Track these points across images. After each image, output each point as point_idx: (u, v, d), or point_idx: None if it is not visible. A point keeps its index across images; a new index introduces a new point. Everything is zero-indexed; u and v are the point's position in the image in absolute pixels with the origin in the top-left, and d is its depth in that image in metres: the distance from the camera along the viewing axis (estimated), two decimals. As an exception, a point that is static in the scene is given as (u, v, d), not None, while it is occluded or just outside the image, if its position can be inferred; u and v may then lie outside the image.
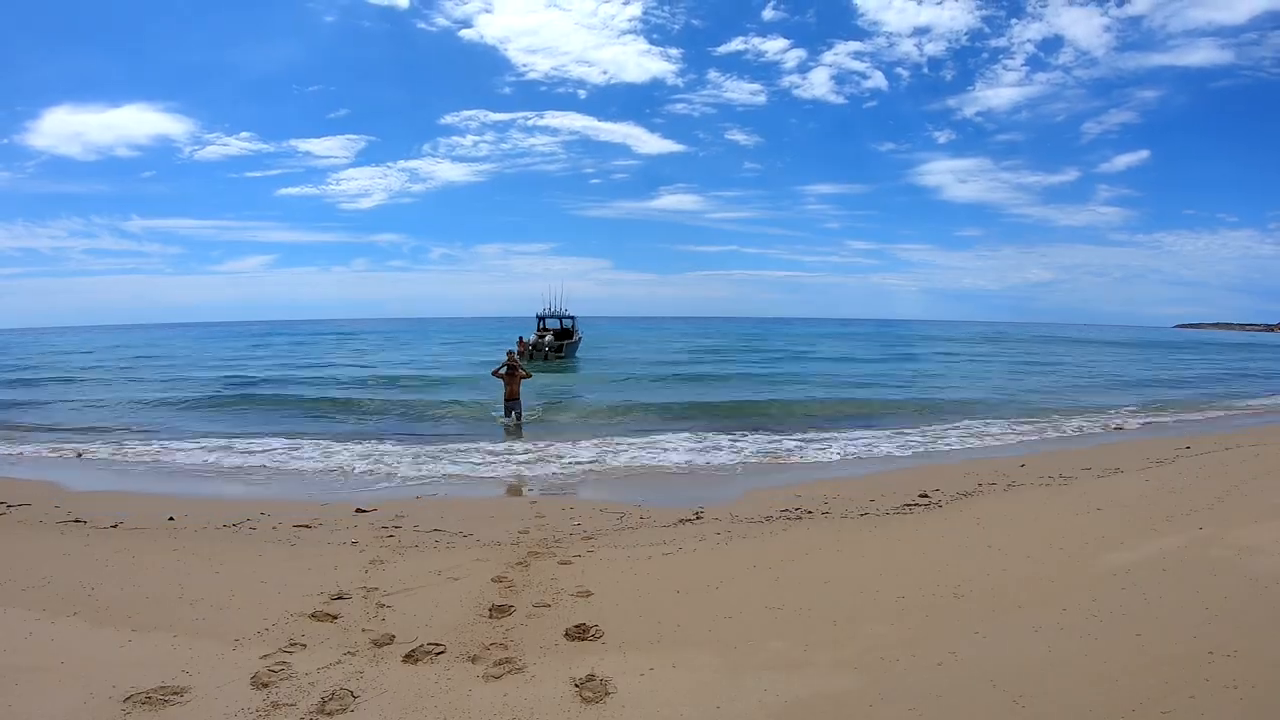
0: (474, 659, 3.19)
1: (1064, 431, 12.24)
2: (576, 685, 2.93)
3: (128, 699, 2.79)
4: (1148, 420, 13.79)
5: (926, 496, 6.99)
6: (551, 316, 34.31)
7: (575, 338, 33.95)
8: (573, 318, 35.03)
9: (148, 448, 10.99)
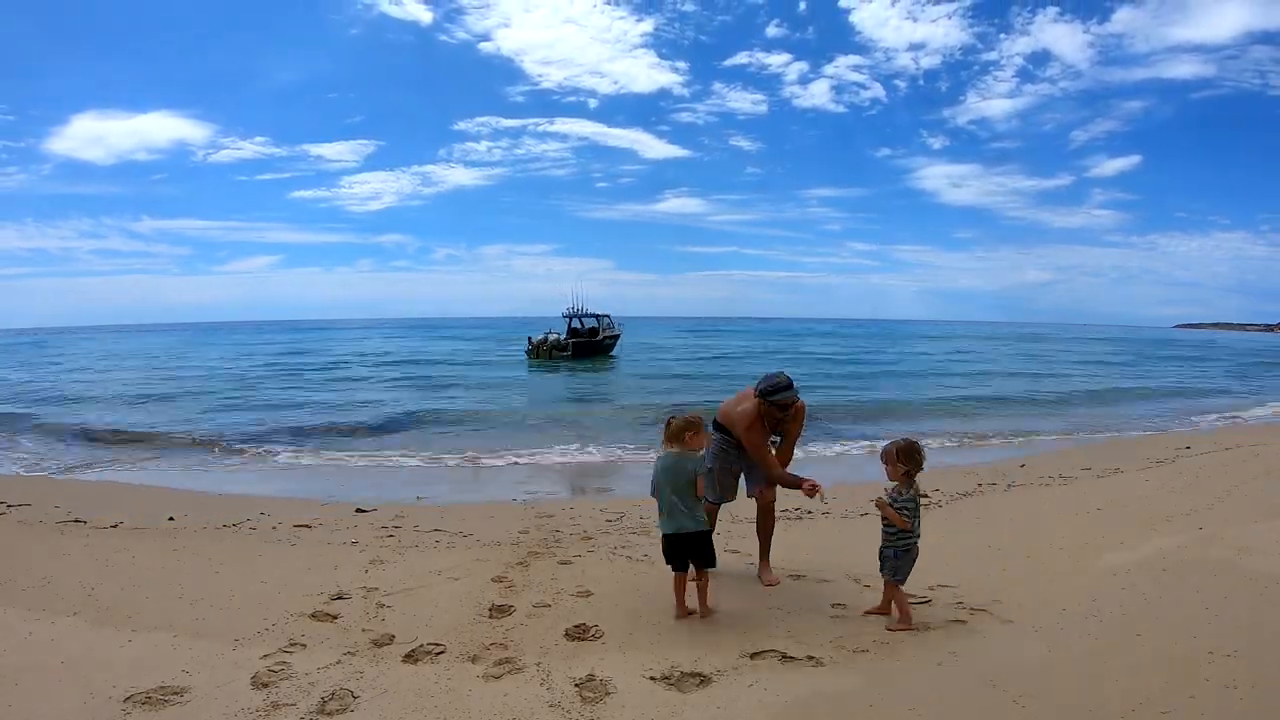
0: (474, 659, 3.19)
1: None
2: (576, 685, 2.92)
3: (128, 699, 2.78)
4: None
5: (927, 497, 6.99)
6: (578, 316, 34.54)
7: (602, 335, 34.13)
8: (606, 316, 35.24)
9: (147, 447, 11.00)
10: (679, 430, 3.71)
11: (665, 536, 3.72)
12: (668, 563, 3.74)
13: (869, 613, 3.70)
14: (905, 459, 3.53)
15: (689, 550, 3.67)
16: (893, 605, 3.63)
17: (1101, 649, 3.20)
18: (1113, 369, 30.44)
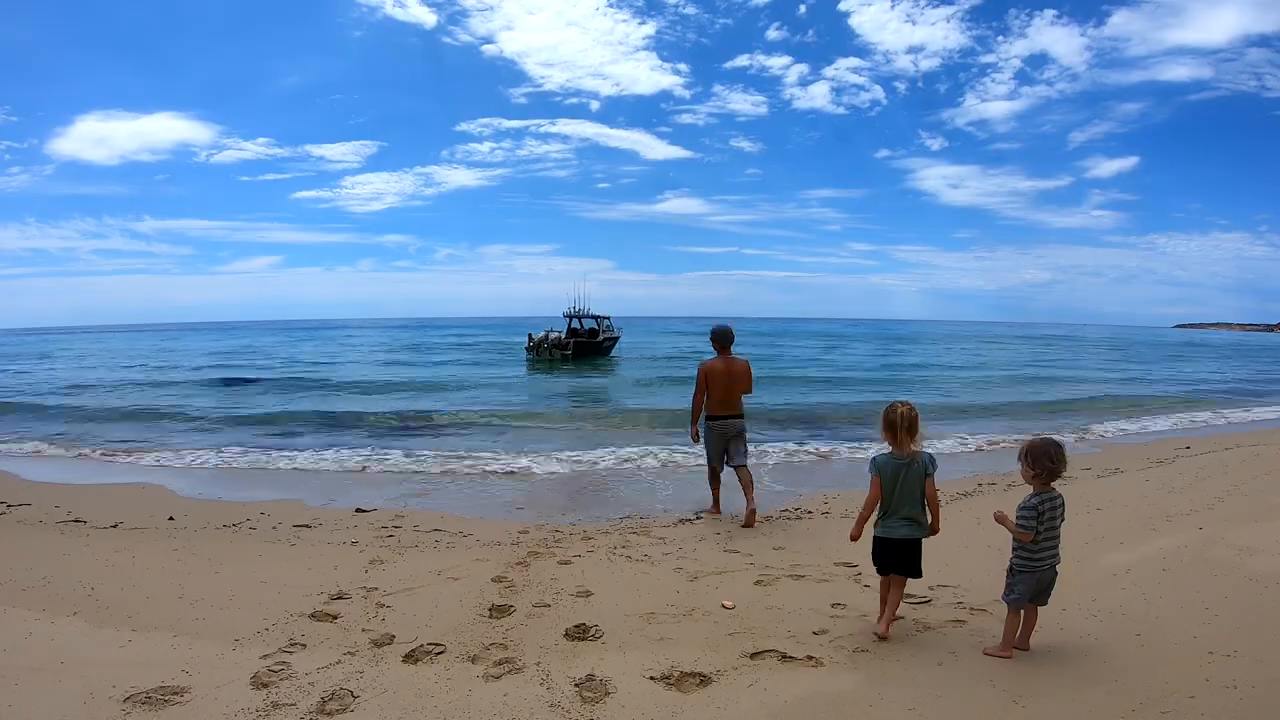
0: (474, 659, 3.19)
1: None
2: (576, 685, 2.92)
3: (128, 699, 2.79)
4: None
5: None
6: (578, 316, 34.50)
7: (602, 337, 34.13)
8: (606, 318, 35.23)
9: (150, 448, 11.00)
10: (914, 424, 3.36)
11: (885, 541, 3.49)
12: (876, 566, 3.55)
13: (987, 653, 3.17)
14: (1030, 460, 3.06)
15: (898, 557, 3.44)
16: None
17: (1101, 649, 3.20)
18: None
